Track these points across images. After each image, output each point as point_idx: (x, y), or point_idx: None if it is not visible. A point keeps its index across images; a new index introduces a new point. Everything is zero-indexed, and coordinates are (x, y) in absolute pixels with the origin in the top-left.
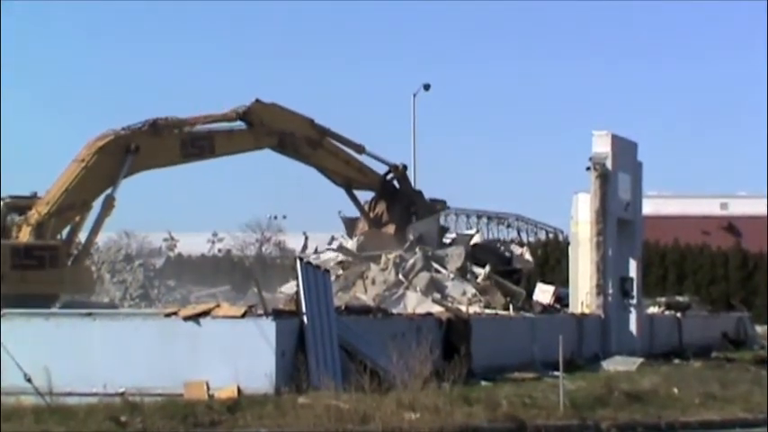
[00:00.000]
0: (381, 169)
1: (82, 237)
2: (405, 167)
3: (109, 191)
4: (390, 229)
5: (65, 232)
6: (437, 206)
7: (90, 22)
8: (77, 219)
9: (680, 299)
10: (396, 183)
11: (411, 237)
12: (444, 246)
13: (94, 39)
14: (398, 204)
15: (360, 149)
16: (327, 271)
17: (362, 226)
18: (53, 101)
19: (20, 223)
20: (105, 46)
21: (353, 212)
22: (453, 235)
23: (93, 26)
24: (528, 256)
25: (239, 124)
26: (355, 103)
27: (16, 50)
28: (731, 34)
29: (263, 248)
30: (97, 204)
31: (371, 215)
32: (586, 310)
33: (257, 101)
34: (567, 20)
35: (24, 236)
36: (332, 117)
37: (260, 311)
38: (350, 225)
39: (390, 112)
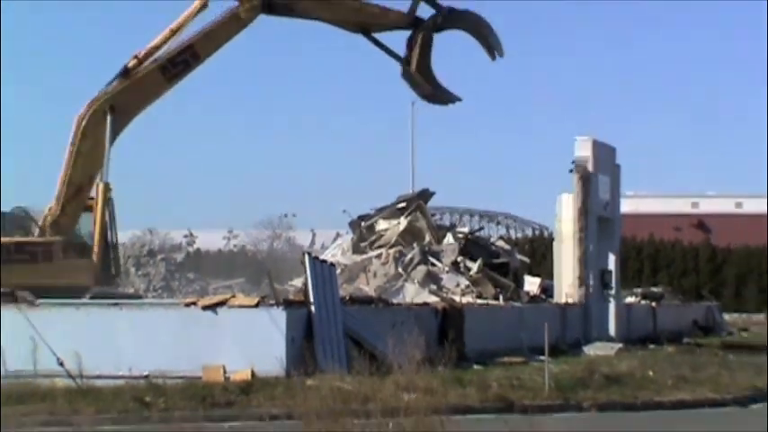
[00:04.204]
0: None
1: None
2: None
3: (100, 177)
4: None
5: (86, 225)
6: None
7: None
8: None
9: (654, 290)
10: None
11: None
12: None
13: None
14: (429, 46)
15: None
16: (333, 264)
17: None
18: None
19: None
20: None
21: (353, 213)
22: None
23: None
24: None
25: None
26: (356, 103)
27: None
28: (723, 36)
29: (275, 244)
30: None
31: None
32: (569, 300)
33: None
34: (563, 21)
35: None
36: (332, 115)
37: (272, 301)
38: (354, 226)
39: (390, 115)
